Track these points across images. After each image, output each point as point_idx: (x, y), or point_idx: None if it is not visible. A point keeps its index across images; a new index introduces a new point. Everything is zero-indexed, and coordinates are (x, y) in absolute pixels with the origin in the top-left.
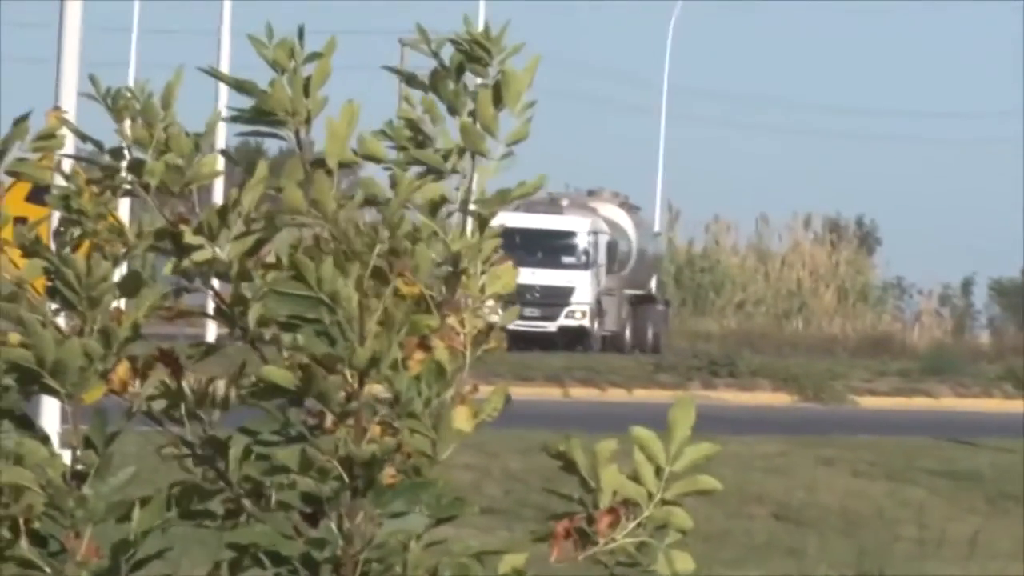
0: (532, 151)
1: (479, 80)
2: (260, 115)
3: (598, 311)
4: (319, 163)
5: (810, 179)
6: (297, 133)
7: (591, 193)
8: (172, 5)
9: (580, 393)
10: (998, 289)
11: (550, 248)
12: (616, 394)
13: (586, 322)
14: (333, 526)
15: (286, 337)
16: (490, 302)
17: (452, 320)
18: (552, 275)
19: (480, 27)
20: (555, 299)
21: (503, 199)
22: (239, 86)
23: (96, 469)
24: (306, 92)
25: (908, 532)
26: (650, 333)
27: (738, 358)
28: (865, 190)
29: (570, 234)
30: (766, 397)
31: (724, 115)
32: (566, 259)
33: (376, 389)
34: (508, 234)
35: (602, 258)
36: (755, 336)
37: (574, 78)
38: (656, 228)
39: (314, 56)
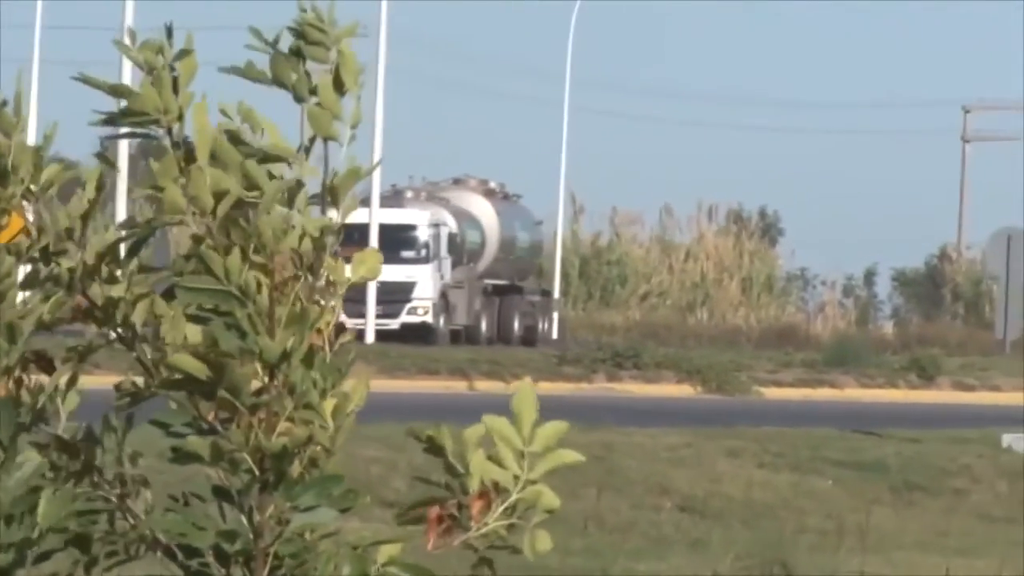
0: (435, 143)
1: (321, 66)
2: (132, 115)
3: (444, 306)
4: (191, 159)
5: (713, 171)
6: (170, 131)
7: (456, 182)
8: (75, 4)
9: (485, 386)
10: (901, 280)
11: (389, 243)
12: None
13: (429, 318)
14: (243, 518)
15: (190, 330)
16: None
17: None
18: (392, 271)
19: (319, 11)
20: (396, 295)
21: (356, 176)
22: (114, 91)
23: (2, 463)
24: (176, 90)
25: (813, 523)
26: (517, 324)
27: (643, 350)
28: (767, 181)
29: (409, 228)
30: (671, 389)
31: (627, 107)
32: (406, 254)
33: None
34: (347, 230)
35: (444, 251)
36: (660, 328)
37: (477, 72)
38: (559, 219)
39: (184, 53)
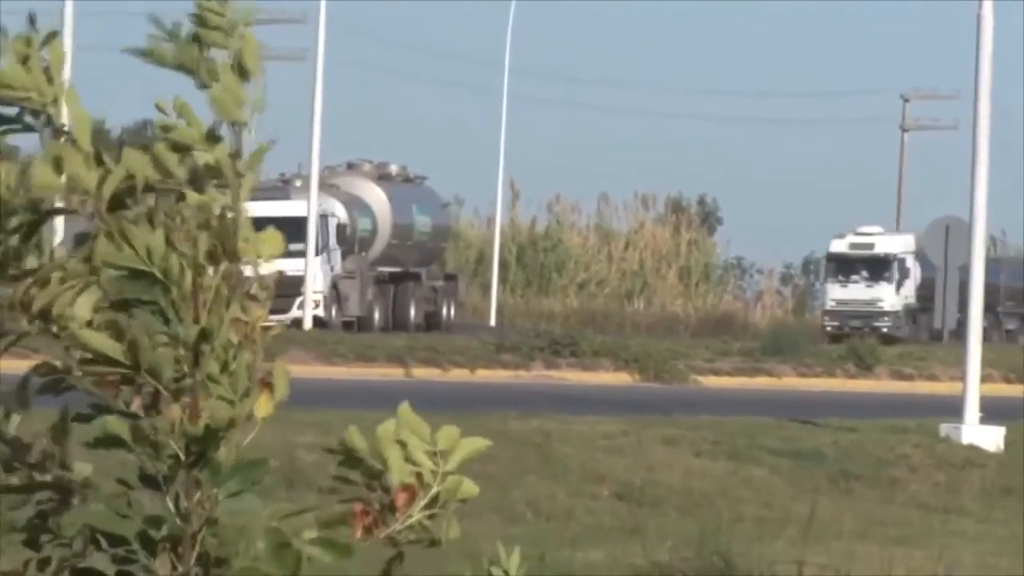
0: (374, 130)
1: (223, 52)
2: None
3: (335, 297)
4: (71, 142)
5: (652, 159)
6: (48, 118)
7: (350, 166)
8: None
9: (422, 373)
10: None
11: None
12: (459, 374)
13: (320, 311)
14: (170, 504)
15: (104, 317)
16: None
17: (235, 310)
18: (281, 264)
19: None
20: (286, 290)
21: (259, 158)
22: None
23: None
24: (49, 78)
25: (750, 512)
26: (414, 312)
27: (580, 338)
28: (706, 170)
29: (295, 220)
30: (608, 377)
31: (567, 96)
32: (294, 246)
33: None
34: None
35: (334, 241)
36: (598, 316)
37: (418, 60)
38: (498, 206)
39: (50, 38)
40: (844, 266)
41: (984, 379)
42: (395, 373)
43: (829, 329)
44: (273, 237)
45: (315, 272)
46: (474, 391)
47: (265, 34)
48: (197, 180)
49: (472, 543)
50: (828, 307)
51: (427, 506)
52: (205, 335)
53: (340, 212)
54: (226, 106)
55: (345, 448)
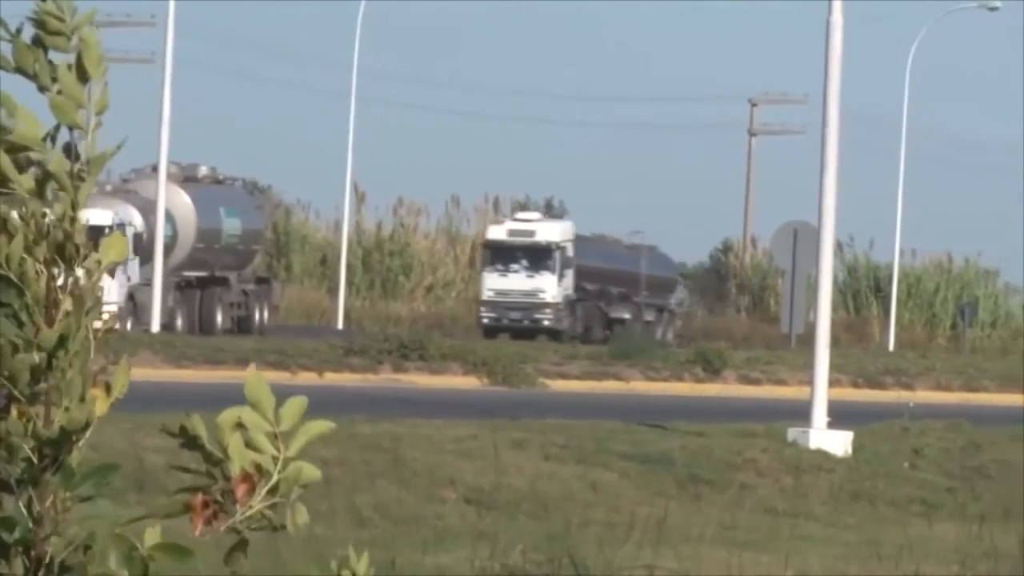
0: (219, 134)
1: (63, 54)
2: None
3: (132, 308)
4: None
5: (501, 163)
6: None
7: (155, 169)
8: None
9: (271, 376)
10: (686, 273)
11: None
12: (307, 377)
13: (116, 324)
14: (23, 507)
15: None
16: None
17: (68, 303)
18: None
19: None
20: None
21: (102, 162)
22: None
23: None
24: None
25: (599, 515)
26: (221, 317)
27: (428, 341)
28: (554, 174)
29: (95, 229)
30: (457, 380)
31: (416, 99)
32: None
33: None
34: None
35: (129, 252)
36: (445, 319)
37: (266, 62)
38: (346, 209)
39: None
40: (502, 254)
41: (832, 384)
42: (243, 376)
43: (486, 321)
44: (119, 240)
45: (109, 285)
46: (322, 394)
47: (114, 36)
48: (38, 185)
49: (320, 546)
50: (485, 297)
51: (268, 494)
52: (62, 341)
53: (137, 220)
54: (65, 110)
55: (185, 433)
